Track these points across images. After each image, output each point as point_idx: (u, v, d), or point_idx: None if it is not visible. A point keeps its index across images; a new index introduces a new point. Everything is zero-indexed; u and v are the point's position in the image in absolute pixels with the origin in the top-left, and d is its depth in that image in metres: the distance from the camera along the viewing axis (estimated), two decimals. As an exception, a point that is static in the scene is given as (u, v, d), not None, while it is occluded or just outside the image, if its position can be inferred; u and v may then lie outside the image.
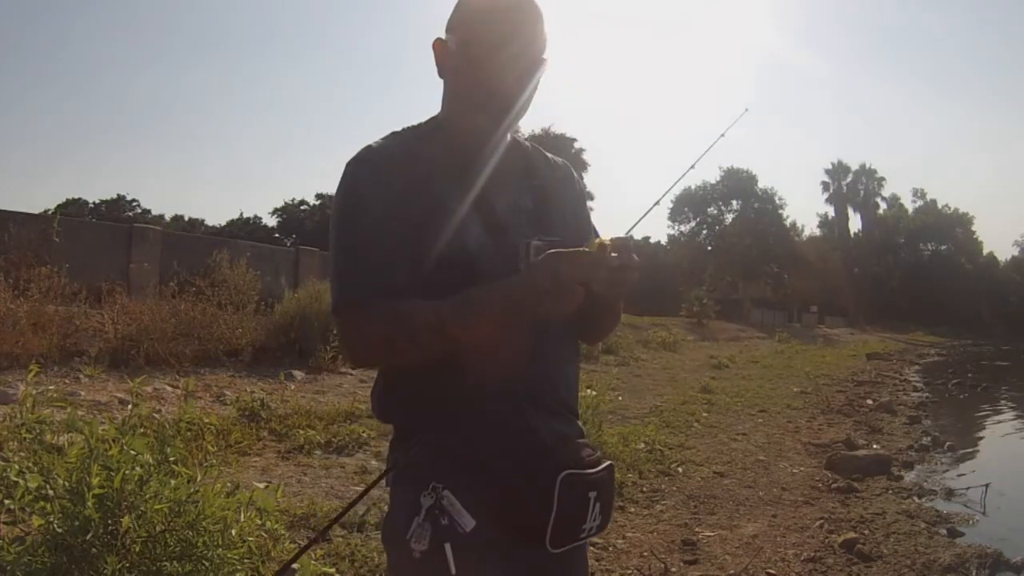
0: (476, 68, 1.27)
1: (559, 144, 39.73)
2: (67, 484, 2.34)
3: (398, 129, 1.36)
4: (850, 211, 68.64)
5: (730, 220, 54.84)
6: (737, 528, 4.56)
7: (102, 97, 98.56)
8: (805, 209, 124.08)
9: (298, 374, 8.48)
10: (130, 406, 2.88)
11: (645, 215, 1.42)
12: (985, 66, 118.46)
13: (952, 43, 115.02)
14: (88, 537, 2.26)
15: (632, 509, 4.81)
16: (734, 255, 51.63)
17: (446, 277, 1.22)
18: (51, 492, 2.35)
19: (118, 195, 57.31)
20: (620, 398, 8.40)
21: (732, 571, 3.84)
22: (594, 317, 1.35)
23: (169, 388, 6.87)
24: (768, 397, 11.18)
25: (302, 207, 57.01)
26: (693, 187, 53.86)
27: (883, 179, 68.12)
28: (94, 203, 56.32)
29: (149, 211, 56.83)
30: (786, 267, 53.97)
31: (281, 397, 6.82)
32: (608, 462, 1.33)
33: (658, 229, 61.37)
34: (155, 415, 4.68)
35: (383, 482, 1.31)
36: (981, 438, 9.99)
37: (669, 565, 3.84)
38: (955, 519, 5.04)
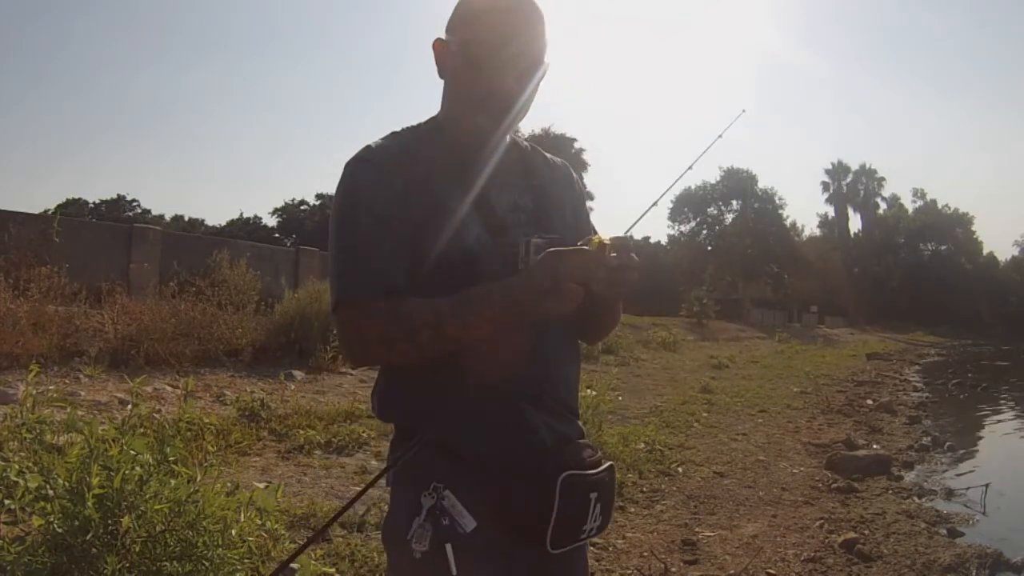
0: (476, 68, 1.27)
1: (559, 144, 39.74)
2: (67, 484, 2.34)
3: (398, 129, 1.36)
4: (850, 211, 68.74)
5: (730, 220, 54.84)
6: (737, 528, 4.56)
7: (102, 97, 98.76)
8: (805, 209, 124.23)
9: (298, 374, 8.48)
10: (130, 406, 2.88)
11: (643, 216, 1.42)
12: (985, 66, 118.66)
13: (952, 43, 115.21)
14: (88, 537, 2.26)
15: (632, 509, 4.81)
16: (734, 255, 51.62)
17: (446, 276, 1.22)
18: (51, 492, 2.35)
19: (118, 195, 57.44)
20: (620, 398, 8.39)
21: (732, 571, 3.84)
22: (594, 317, 1.35)
23: (169, 388, 6.87)
24: (768, 397, 11.18)
25: (302, 207, 57.03)
26: (693, 187, 53.94)
27: (883, 179, 68.28)
28: (94, 203, 56.41)
29: (149, 211, 56.94)
30: (786, 267, 53.96)
31: (281, 397, 6.82)
32: (609, 463, 1.33)
33: (658, 229, 61.50)
34: (155, 415, 4.68)
35: (383, 482, 1.31)
36: (981, 438, 10.00)
37: (669, 565, 3.84)
38: (955, 519, 5.04)
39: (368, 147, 1.30)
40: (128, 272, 13.06)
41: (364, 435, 5.72)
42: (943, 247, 67.87)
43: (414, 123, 1.38)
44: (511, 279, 1.17)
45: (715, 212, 55.48)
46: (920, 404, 12.22)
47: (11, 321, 7.12)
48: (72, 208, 50.25)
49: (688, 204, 54.69)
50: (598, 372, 10.38)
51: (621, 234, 1.20)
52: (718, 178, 54.39)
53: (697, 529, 4.48)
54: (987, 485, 5.69)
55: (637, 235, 1.33)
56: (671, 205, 53.70)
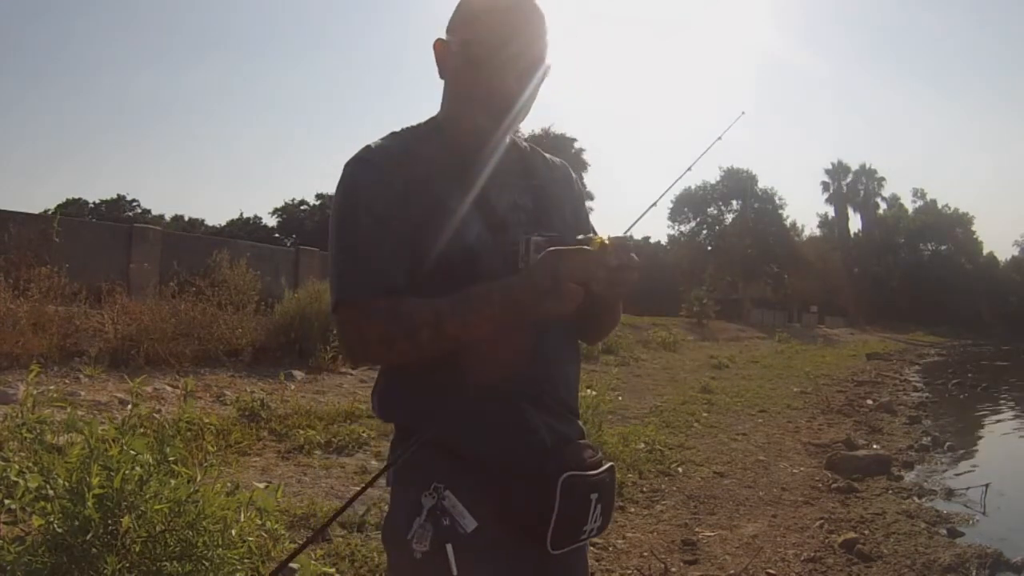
0: (476, 68, 1.28)
1: (559, 144, 39.75)
2: (67, 484, 2.34)
3: (398, 129, 1.36)
4: (850, 211, 68.74)
5: (730, 220, 54.83)
6: (737, 528, 4.56)
7: (102, 97, 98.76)
8: (805, 209, 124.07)
9: (298, 374, 8.48)
10: (130, 406, 2.88)
11: (641, 217, 1.42)
12: (985, 66, 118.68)
13: (952, 43, 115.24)
14: (88, 537, 2.26)
15: (632, 509, 4.81)
16: (734, 255, 51.62)
17: (447, 276, 1.22)
18: (51, 492, 2.35)
19: (118, 195, 57.44)
20: (620, 398, 8.39)
21: (732, 571, 3.84)
22: (594, 317, 1.35)
23: (169, 388, 6.87)
24: (768, 397, 11.18)
25: (302, 207, 57.03)
26: (693, 187, 53.91)
27: (883, 179, 68.29)
28: (94, 203, 56.41)
29: (149, 211, 56.93)
30: (786, 267, 53.95)
31: (281, 397, 6.82)
32: (609, 464, 1.33)
33: (658, 229, 61.49)
34: (155, 415, 4.68)
35: (383, 481, 1.31)
36: (981, 438, 10.00)
37: (669, 565, 3.84)
38: (955, 519, 5.04)
39: (368, 147, 1.30)
40: (128, 272, 13.06)
41: (364, 435, 5.72)
42: (943, 247, 67.87)
43: (414, 123, 1.38)
44: (511, 278, 1.17)
45: (715, 212, 55.50)
46: (920, 404, 12.22)
47: (11, 321, 7.12)
48: (72, 208, 50.26)
49: (688, 204, 54.68)
50: (598, 372, 10.38)
51: (621, 234, 1.20)
52: (718, 178, 54.47)
53: (697, 529, 4.48)
54: (987, 485, 5.69)
55: (637, 235, 1.33)
56: (671, 205, 53.76)
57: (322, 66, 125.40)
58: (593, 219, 1.51)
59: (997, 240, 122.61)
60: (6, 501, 2.36)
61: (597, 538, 3.44)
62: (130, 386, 2.92)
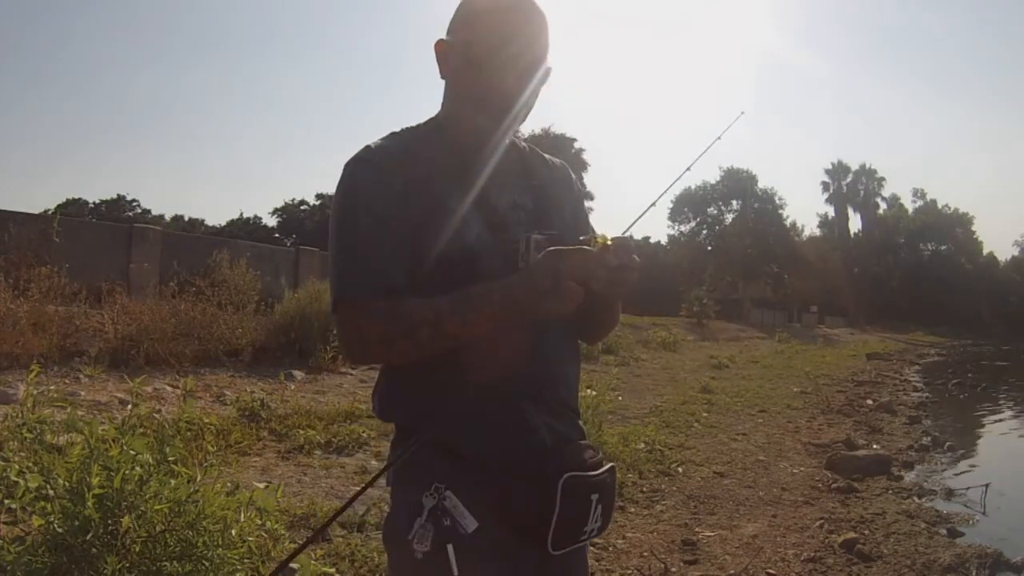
0: (476, 68, 1.28)
1: (559, 144, 39.75)
2: (67, 484, 2.34)
3: (398, 130, 1.36)
4: (850, 211, 68.74)
5: (730, 220, 54.83)
6: (737, 528, 4.56)
7: (102, 97, 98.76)
8: (805, 209, 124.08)
9: (298, 374, 8.48)
10: (130, 406, 2.88)
11: (640, 217, 1.42)
12: (985, 66, 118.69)
13: (952, 43, 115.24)
14: (88, 537, 2.26)
15: (632, 509, 4.81)
16: (734, 255, 51.62)
17: (447, 275, 1.22)
18: (51, 492, 2.35)
19: (118, 195, 57.42)
20: (620, 398, 8.39)
21: (732, 571, 3.84)
22: (594, 316, 1.35)
23: (169, 388, 6.87)
24: (768, 397, 11.18)
25: (302, 207, 57.02)
26: (693, 187, 53.92)
27: (883, 179, 68.28)
28: (94, 203, 56.40)
29: (149, 211, 56.92)
30: (786, 267, 53.96)
31: (281, 397, 6.82)
32: (610, 464, 1.33)
33: (658, 229, 61.53)
34: (155, 415, 4.68)
35: (383, 481, 1.31)
36: (981, 438, 10.00)
37: (669, 565, 3.84)
38: (955, 519, 5.04)
39: (368, 147, 1.30)
40: (128, 272, 13.06)
41: (364, 435, 5.72)
42: (943, 247, 67.88)
43: (414, 123, 1.38)
44: (511, 278, 1.17)
45: (715, 212, 55.50)
46: (920, 404, 12.22)
47: (11, 321, 7.12)
48: (72, 208, 50.25)
49: (688, 204, 54.69)
50: (598, 372, 10.39)
51: (621, 234, 1.20)
52: (718, 178, 54.47)
53: (697, 529, 4.48)
54: (987, 485, 5.69)
55: (637, 235, 1.33)
56: (671, 205, 53.79)
57: (322, 66, 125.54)
58: (593, 219, 1.52)
59: (997, 240, 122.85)
60: (6, 501, 2.36)
61: (597, 538, 3.44)
62: (130, 386, 2.92)
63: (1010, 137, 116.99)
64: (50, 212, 21.08)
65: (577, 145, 43.66)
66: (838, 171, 67.35)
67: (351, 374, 9.03)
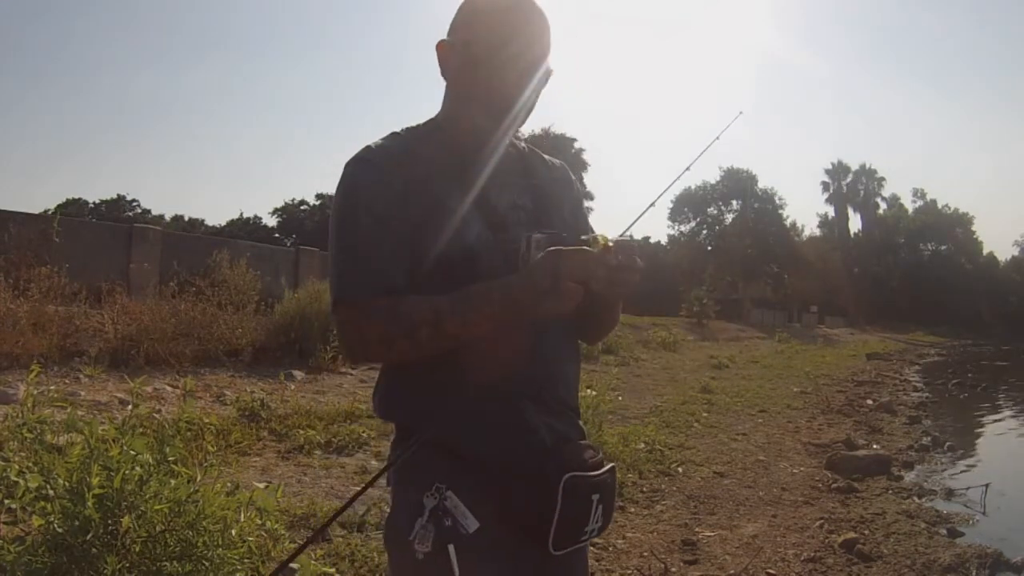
0: (475, 67, 1.28)
1: (559, 144, 39.76)
2: (67, 484, 2.34)
3: (398, 130, 1.36)
4: (850, 211, 68.75)
5: (730, 220, 54.84)
6: (737, 528, 4.56)
7: (102, 97, 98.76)
8: (805, 209, 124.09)
9: (298, 374, 8.48)
10: (130, 406, 2.88)
11: (640, 217, 1.42)
12: (985, 66, 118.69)
13: (952, 43, 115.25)
14: (88, 537, 2.26)
15: (632, 509, 4.81)
16: (734, 255, 51.62)
17: (447, 275, 1.22)
18: (51, 492, 2.35)
19: (118, 195, 57.42)
20: (620, 398, 8.39)
21: (732, 571, 3.84)
22: (593, 316, 1.35)
23: (169, 388, 6.87)
24: (768, 397, 11.18)
25: (302, 207, 57.02)
26: (693, 187, 53.94)
27: (883, 179, 68.29)
28: (94, 203, 56.40)
29: (149, 211, 56.92)
30: (786, 267, 53.96)
31: (281, 397, 6.82)
32: (611, 464, 1.33)
33: (658, 229, 61.53)
34: (155, 415, 4.68)
35: (383, 481, 1.31)
36: (981, 438, 10.00)
37: (669, 565, 3.84)
38: (955, 519, 5.04)
39: (368, 147, 1.30)
40: (128, 272, 13.06)
41: (364, 435, 5.72)
42: (943, 247, 67.88)
43: (415, 123, 1.38)
44: (511, 277, 1.17)
45: (715, 212, 55.50)
46: (920, 404, 12.22)
47: (11, 321, 7.12)
48: (72, 208, 50.25)
49: (688, 204, 54.69)
50: (598, 372, 10.39)
51: (622, 234, 1.20)
52: (718, 178, 54.49)
53: (697, 529, 4.48)
54: (987, 485, 5.69)
55: (637, 235, 1.33)
56: (671, 205, 53.80)
57: (322, 66, 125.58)
58: (593, 219, 1.52)
59: (997, 240, 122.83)
60: (6, 501, 2.36)
61: (597, 538, 3.45)
62: (130, 386, 2.92)
63: (1010, 137, 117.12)
64: (50, 212, 21.09)
65: (577, 145, 43.72)
66: (838, 171, 67.39)
67: (351, 374, 9.03)
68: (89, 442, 2.38)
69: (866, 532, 4.57)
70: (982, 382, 16.39)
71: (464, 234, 1.25)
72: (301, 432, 5.63)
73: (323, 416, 6.28)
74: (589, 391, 6.04)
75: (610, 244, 1.14)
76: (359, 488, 1.28)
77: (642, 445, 6.43)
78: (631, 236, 1.25)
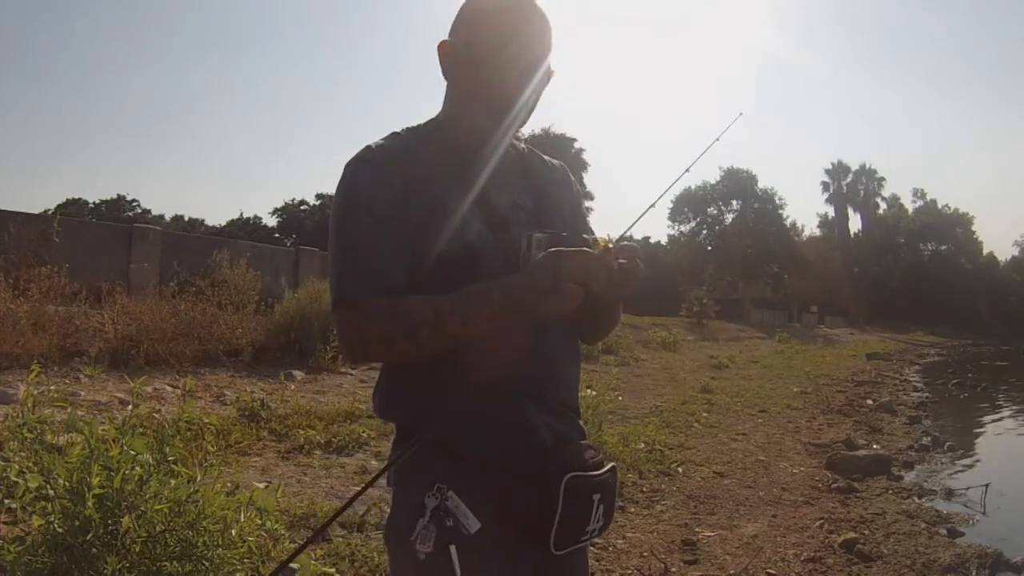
0: (477, 67, 1.28)
1: (559, 144, 39.76)
2: (67, 484, 2.34)
3: (398, 130, 1.36)
4: (850, 211, 68.75)
5: (730, 220, 54.84)
6: (737, 528, 4.56)
7: (102, 97, 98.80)
8: (805, 209, 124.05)
9: (298, 374, 8.48)
10: (130, 406, 2.88)
11: (640, 218, 1.42)
12: (985, 66, 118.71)
13: (952, 43, 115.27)
14: (88, 537, 2.26)
15: (632, 509, 4.81)
16: (734, 255, 51.62)
17: (447, 274, 1.22)
18: (51, 492, 2.35)
19: (118, 195, 57.42)
20: (620, 398, 8.39)
21: (732, 571, 3.84)
22: (594, 317, 1.35)
23: (169, 388, 6.87)
24: (768, 397, 11.18)
25: (302, 207, 57.02)
26: (693, 187, 53.93)
27: (883, 179, 68.29)
28: (94, 203, 56.40)
29: (149, 211, 56.93)
30: (786, 267, 53.96)
31: (281, 397, 6.82)
32: (612, 464, 1.33)
33: (658, 229, 61.53)
34: (155, 415, 4.68)
35: (384, 481, 1.31)
36: (981, 438, 9.99)
37: (669, 565, 3.84)
38: (955, 519, 5.04)
39: (368, 147, 1.30)
40: (128, 272, 13.06)
41: (364, 435, 5.72)
42: (943, 247, 67.88)
43: (415, 124, 1.38)
44: (511, 277, 1.17)
45: (715, 212, 55.50)
46: (920, 404, 12.22)
47: (11, 321, 7.12)
48: (72, 208, 50.24)
49: (688, 204, 54.69)
50: (598, 372, 10.39)
51: (622, 235, 1.20)
52: (718, 178, 54.49)
53: (697, 529, 4.48)
54: (987, 485, 5.69)
55: (637, 235, 1.33)
56: (671, 205, 53.78)
57: (322, 66, 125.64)
58: (593, 219, 1.52)
59: (997, 240, 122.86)
60: (6, 501, 2.36)
61: (597, 538, 3.45)
62: (130, 386, 2.92)
63: (1010, 137, 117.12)
64: (50, 212, 21.09)
65: (577, 145, 43.70)
66: (838, 171, 67.39)
67: (351, 374, 9.03)
68: (89, 442, 2.38)
69: (866, 532, 4.57)
70: (982, 382, 16.39)
71: (464, 234, 1.25)
72: (301, 432, 5.63)
73: (323, 416, 6.28)
74: (589, 391, 6.04)
75: (611, 246, 1.14)
76: (359, 488, 1.28)
77: (642, 445, 6.43)
78: (631, 237, 1.25)
